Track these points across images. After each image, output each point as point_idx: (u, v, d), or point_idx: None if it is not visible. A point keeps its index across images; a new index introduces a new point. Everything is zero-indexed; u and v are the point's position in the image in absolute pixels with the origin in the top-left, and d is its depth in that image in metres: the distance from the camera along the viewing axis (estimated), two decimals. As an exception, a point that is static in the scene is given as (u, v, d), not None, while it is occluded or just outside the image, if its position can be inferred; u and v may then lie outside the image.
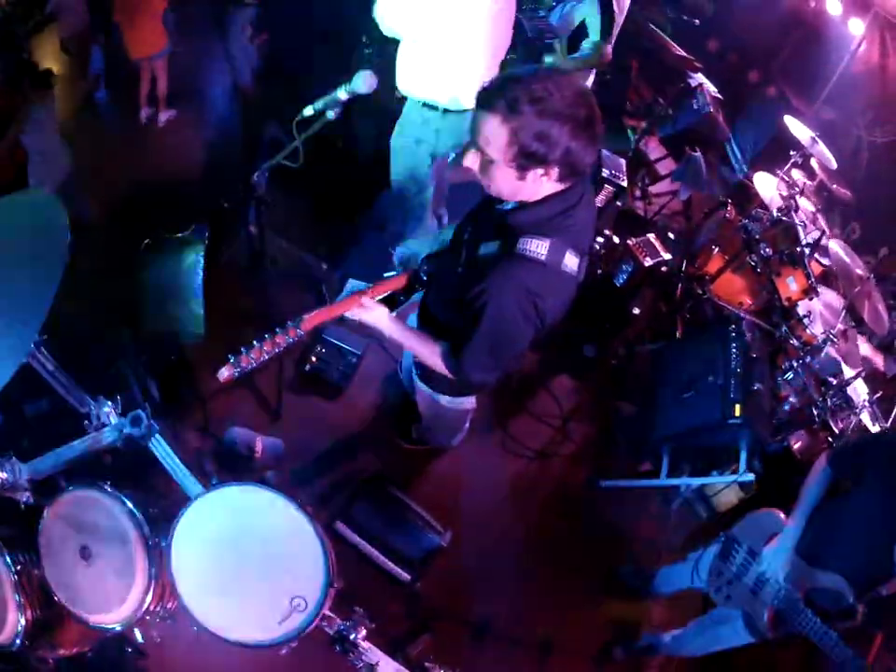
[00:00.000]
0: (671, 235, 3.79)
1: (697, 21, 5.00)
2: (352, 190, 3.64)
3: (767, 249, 3.48)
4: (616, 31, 4.19)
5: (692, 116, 4.21)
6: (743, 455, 2.78)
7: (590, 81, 3.71)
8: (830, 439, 3.07)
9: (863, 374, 3.24)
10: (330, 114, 1.98)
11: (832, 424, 3.06)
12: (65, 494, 1.77)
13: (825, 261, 3.74)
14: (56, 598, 1.70)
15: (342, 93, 1.95)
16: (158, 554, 1.69)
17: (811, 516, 1.96)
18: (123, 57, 4.17)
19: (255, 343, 1.52)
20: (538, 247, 1.50)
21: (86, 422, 1.88)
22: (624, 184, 3.45)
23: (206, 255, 3.04)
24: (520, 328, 1.58)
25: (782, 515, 2.07)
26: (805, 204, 3.89)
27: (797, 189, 3.82)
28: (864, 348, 3.58)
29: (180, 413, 2.81)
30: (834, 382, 3.19)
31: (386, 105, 3.35)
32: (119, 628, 1.70)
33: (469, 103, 2.35)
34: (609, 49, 3.50)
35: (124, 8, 4.07)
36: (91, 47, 4.50)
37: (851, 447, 2.04)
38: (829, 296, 3.64)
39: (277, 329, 1.55)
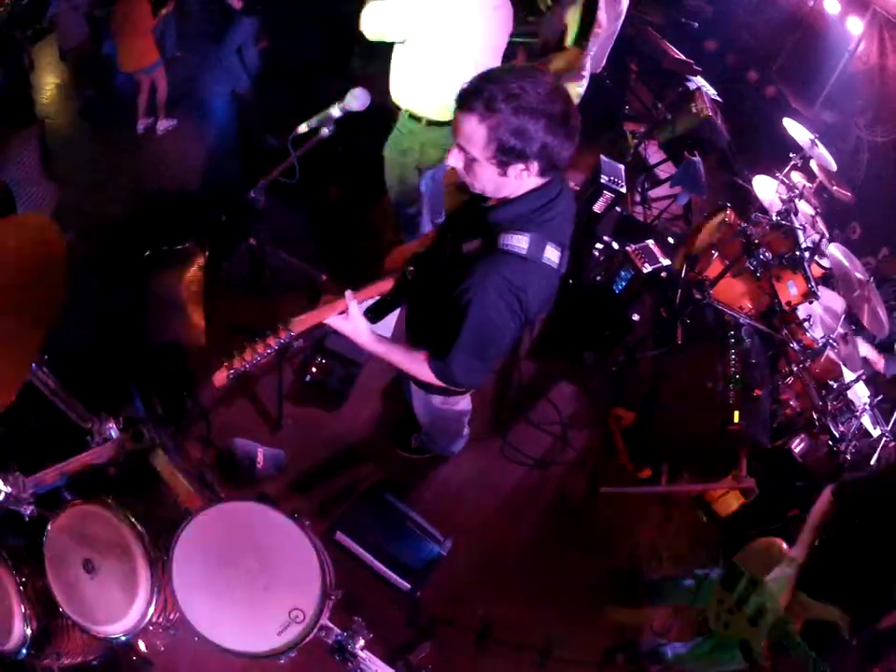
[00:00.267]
0: (671, 240, 3.80)
1: (696, 24, 5.01)
2: (352, 198, 3.68)
3: (767, 254, 3.49)
4: (608, 36, 4.24)
5: (691, 120, 4.22)
6: (743, 462, 2.81)
7: (583, 87, 3.73)
8: (830, 442, 3.09)
9: (864, 377, 3.27)
10: (325, 131, 2.02)
11: (832, 427, 3.08)
12: (69, 508, 1.81)
13: (825, 263, 3.76)
14: (61, 609, 1.74)
15: (335, 110, 1.99)
16: (160, 567, 1.73)
17: (813, 548, 1.99)
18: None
19: (246, 345, 1.55)
20: (518, 242, 1.55)
21: (88, 437, 1.93)
22: (623, 190, 3.47)
23: (207, 267, 3.08)
24: (505, 322, 1.62)
25: (785, 546, 2.09)
26: (805, 208, 3.91)
27: (797, 191, 3.83)
28: (865, 350, 3.60)
29: (182, 425, 2.84)
30: (835, 385, 3.21)
31: (386, 111, 3.40)
32: (123, 638, 1.75)
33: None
34: (585, 55, 3.50)
35: (117, 23, 4.19)
36: (89, 58, 4.57)
37: (856, 482, 2.05)
38: (829, 299, 3.65)
39: (268, 332, 1.57)
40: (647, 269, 3.18)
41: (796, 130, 4.02)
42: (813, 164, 4.20)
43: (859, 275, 3.25)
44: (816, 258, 3.71)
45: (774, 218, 3.59)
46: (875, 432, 3.20)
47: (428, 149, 2.94)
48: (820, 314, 3.46)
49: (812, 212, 3.94)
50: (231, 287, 3.18)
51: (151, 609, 1.73)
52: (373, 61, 3.63)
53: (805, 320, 3.42)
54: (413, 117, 2.89)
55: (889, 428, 3.24)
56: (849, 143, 5.10)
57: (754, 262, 3.45)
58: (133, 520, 1.76)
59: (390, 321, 2.06)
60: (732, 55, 5.76)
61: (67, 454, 1.92)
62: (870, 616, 1.89)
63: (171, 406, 2.83)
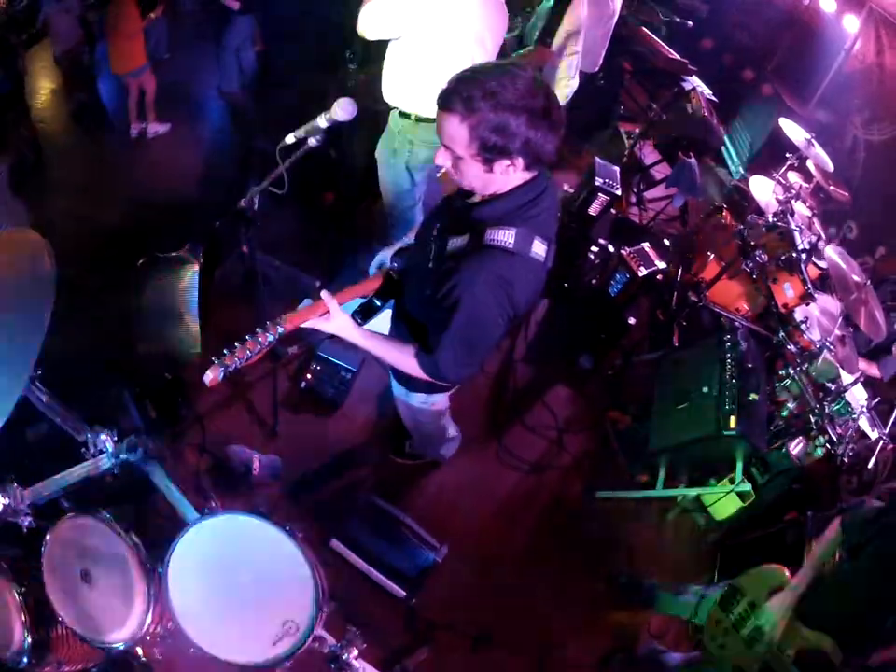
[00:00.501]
0: (667, 242, 3.82)
1: (690, 23, 5.03)
2: (345, 203, 3.70)
3: (763, 256, 3.51)
4: (602, 36, 4.26)
5: (686, 120, 4.24)
6: (739, 466, 2.83)
7: (570, 89, 3.73)
8: (828, 445, 3.11)
9: (862, 379, 3.28)
10: (312, 141, 2.02)
11: (829, 430, 3.09)
12: (65, 520, 1.83)
13: (822, 264, 3.77)
14: (60, 618, 1.77)
15: (322, 121, 1.99)
16: (156, 578, 1.75)
17: (815, 578, 2.01)
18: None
19: (237, 343, 1.53)
20: (505, 237, 1.56)
21: (83, 449, 1.95)
22: (619, 192, 3.48)
23: (201, 274, 3.08)
24: (494, 317, 1.64)
25: (787, 573, 2.12)
26: (801, 209, 3.93)
27: (793, 192, 3.85)
28: (862, 360, 3.60)
29: (178, 432, 2.86)
30: (832, 387, 3.23)
31: (378, 114, 3.41)
32: (122, 647, 1.77)
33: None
34: (555, 54, 3.54)
35: (108, 25, 4.22)
36: (82, 61, 4.58)
37: (864, 516, 2.07)
38: (826, 300, 3.67)
39: (258, 329, 1.56)
40: (642, 272, 3.19)
41: (792, 130, 4.04)
42: (810, 164, 4.22)
43: (856, 278, 3.26)
44: (813, 259, 3.72)
45: (770, 220, 3.61)
46: (873, 435, 3.21)
47: (419, 148, 2.94)
48: (817, 316, 3.47)
49: (809, 213, 3.96)
50: (225, 295, 3.19)
51: (149, 619, 1.75)
52: (368, 62, 3.67)
53: (802, 322, 3.44)
54: (402, 114, 2.90)
55: (886, 431, 3.26)
56: (846, 142, 5.11)
57: (750, 264, 3.46)
58: (128, 532, 1.78)
59: (385, 321, 2.06)
60: (727, 54, 5.77)
61: (64, 464, 1.94)
62: (861, 650, 1.91)
63: (166, 413, 2.85)
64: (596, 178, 3.48)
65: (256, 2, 4.33)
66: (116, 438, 1.96)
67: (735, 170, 5.22)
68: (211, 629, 1.70)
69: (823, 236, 3.74)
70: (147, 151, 4.42)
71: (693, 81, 4.52)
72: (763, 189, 3.91)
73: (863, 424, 3.22)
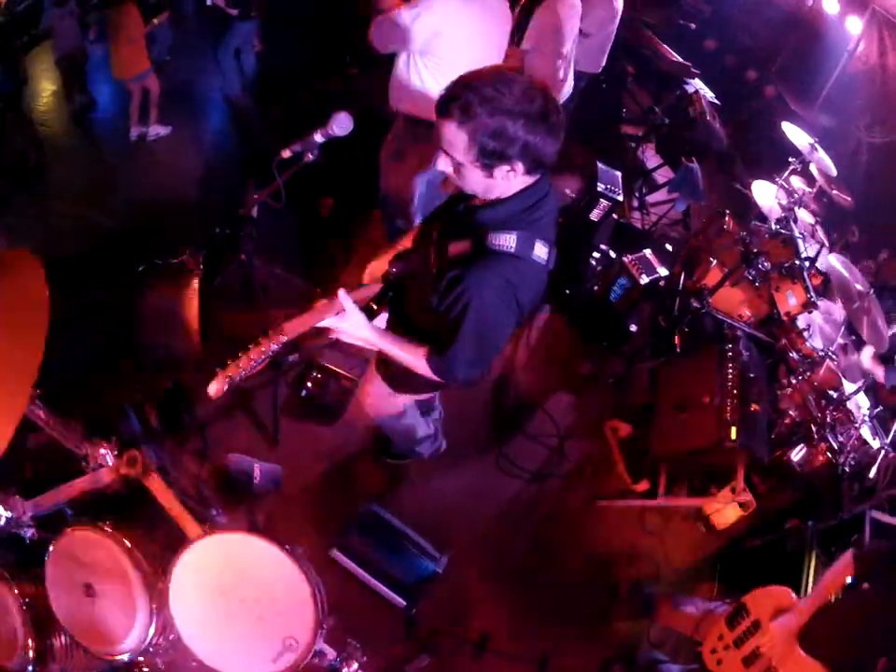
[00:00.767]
0: (669, 247, 3.81)
1: (693, 25, 5.01)
2: (344, 208, 3.70)
3: (765, 263, 3.51)
4: (605, 37, 4.25)
5: (688, 124, 4.23)
6: (740, 476, 2.84)
7: (562, 95, 3.72)
8: (829, 454, 3.11)
9: (864, 387, 3.29)
10: (309, 155, 2.03)
11: (830, 439, 3.10)
12: (67, 534, 1.84)
13: (823, 268, 3.77)
14: (63, 629, 1.79)
15: (318, 136, 2.00)
16: (158, 592, 1.76)
17: (822, 607, 2.02)
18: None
19: (240, 353, 1.53)
20: (507, 241, 1.58)
21: (83, 463, 1.96)
22: (620, 198, 3.49)
23: (201, 281, 3.09)
24: (504, 319, 1.67)
25: (794, 597, 2.14)
26: (805, 216, 3.92)
27: (796, 197, 3.84)
28: (865, 360, 3.60)
29: (179, 440, 2.86)
30: (835, 395, 3.24)
31: (377, 119, 3.41)
32: (125, 658, 1.79)
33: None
34: (516, 50, 3.51)
35: (110, 29, 4.23)
36: (82, 64, 4.58)
37: (878, 552, 2.09)
38: (829, 307, 3.67)
39: (260, 339, 1.56)
40: (644, 280, 3.19)
41: (796, 134, 4.03)
42: (813, 168, 4.21)
43: (858, 287, 3.25)
44: (816, 265, 3.72)
45: (773, 227, 3.61)
46: (875, 443, 3.22)
47: (428, 154, 2.95)
48: (820, 324, 3.47)
49: (812, 220, 3.96)
50: (225, 301, 3.20)
51: (151, 632, 1.77)
52: (366, 66, 3.66)
53: (804, 330, 3.44)
54: (413, 121, 2.90)
55: (888, 440, 3.26)
56: (849, 145, 5.11)
57: (753, 272, 3.47)
58: (130, 546, 1.79)
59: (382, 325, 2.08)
60: (730, 55, 5.76)
61: (66, 475, 1.95)
62: None
63: (167, 421, 2.86)
64: (598, 184, 3.49)
65: (254, 7, 4.32)
66: (116, 452, 1.98)
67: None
68: (213, 644, 1.72)
69: (826, 243, 3.74)
70: (147, 154, 4.43)
71: (696, 84, 4.52)
72: (766, 194, 3.91)
73: (865, 433, 3.23)
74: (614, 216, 3.65)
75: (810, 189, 4.17)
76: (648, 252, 3.37)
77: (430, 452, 2.87)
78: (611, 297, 3.30)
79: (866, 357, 3.46)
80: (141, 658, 1.92)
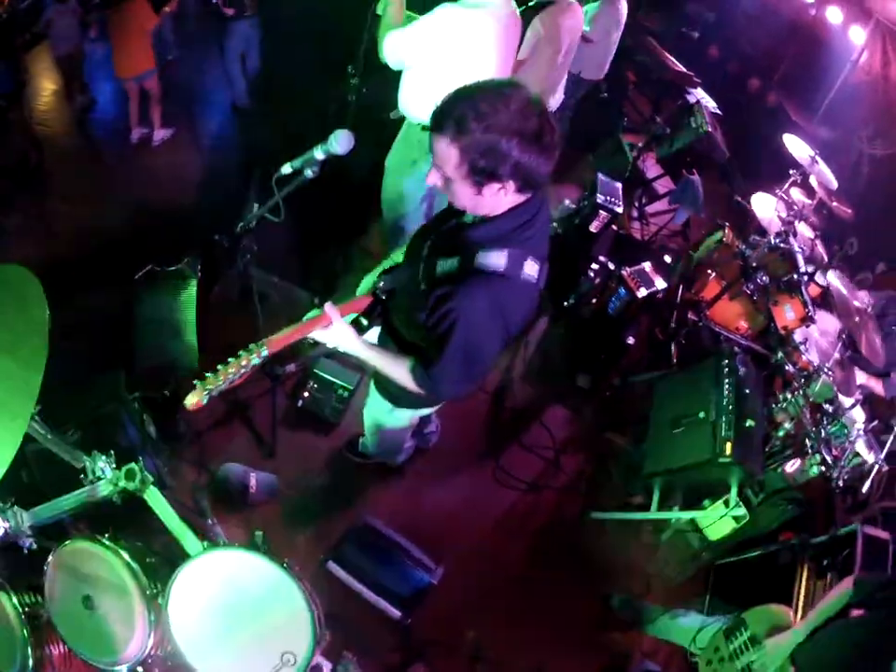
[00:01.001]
0: (668, 259, 3.85)
1: (696, 34, 5.04)
2: (343, 217, 3.72)
3: (764, 277, 3.55)
4: (608, 45, 4.28)
5: (690, 135, 4.26)
6: (734, 490, 2.88)
7: (556, 101, 3.74)
8: (823, 468, 3.15)
9: (860, 401, 3.33)
10: (308, 172, 2.03)
11: (825, 453, 3.14)
12: (66, 546, 1.88)
13: (823, 282, 3.81)
14: (63, 639, 1.82)
15: (318, 153, 1.99)
16: (156, 605, 1.80)
17: (816, 628, 2.06)
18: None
19: (219, 367, 1.53)
20: (496, 259, 1.56)
21: (82, 476, 1.99)
22: (620, 210, 3.51)
23: (199, 289, 3.12)
24: (491, 340, 1.66)
25: (792, 616, 2.20)
26: (804, 230, 3.96)
27: (796, 209, 3.88)
28: (862, 377, 3.65)
29: (176, 449, 2.89)
30: (830, 409, 3.28)
31: (379, 128, 3.43)
32: (124, 669, 1.81)
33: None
34: None
35: (115, 28, 4.18)
36: (82, 63, 4.58)
37: (879, 581, 2.12)
38: (826, 320, 3.71)
39: (241, 353, 1.56)
40: (642, 293, 3.23)
41: (797, 146, 4.06)
42: (813, 180, 4.24)
43: (857, 304, 3.30)
44: (815, 278, 3.76)
45: (773, 241, 3.64)
46: (870, 458, 3.26)
47: None
48: (817, 338, 3.51)
49: (811, 235, 3.99)
50: (223, 310, 3.22)
51: (150, 643, 1.79)
52: (369, 74, 3.68)
53: (801, 343, 3.48)
54: (426, 128, 2.92)
55: (882, 455, 3.31)
56: (850, 156, 5.15)
57: (751, 286, 3.50)
58: (128, 559, 1.81)
59: (373, 339, 2.10)
60: (733, 63, 5.79)
61: (64, 485, 1.98)
62: None
63: (164, 429, 2.88)
64: (598, 195, 3.52)
65: (250, 7, 4.32)
66: (114, 465, 2.01)
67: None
68: (211, 658, 1.75)
69: (826, 258, 3.78)
70: (148, 156, 4.44)
71: (698, 94, 4.54)
72: (766, 207, 3.94)
73: (860, 447, 3.27)
74: (614, 227, 3.68)
75: (810, 202, 4.21)
76: (647, 265, 3.39)
77: (403, 459, 2.92)
78: (609, 309, 3.33)
79: (862, 374, 3.51)
80: (139, 669, 1.97)
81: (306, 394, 3.06)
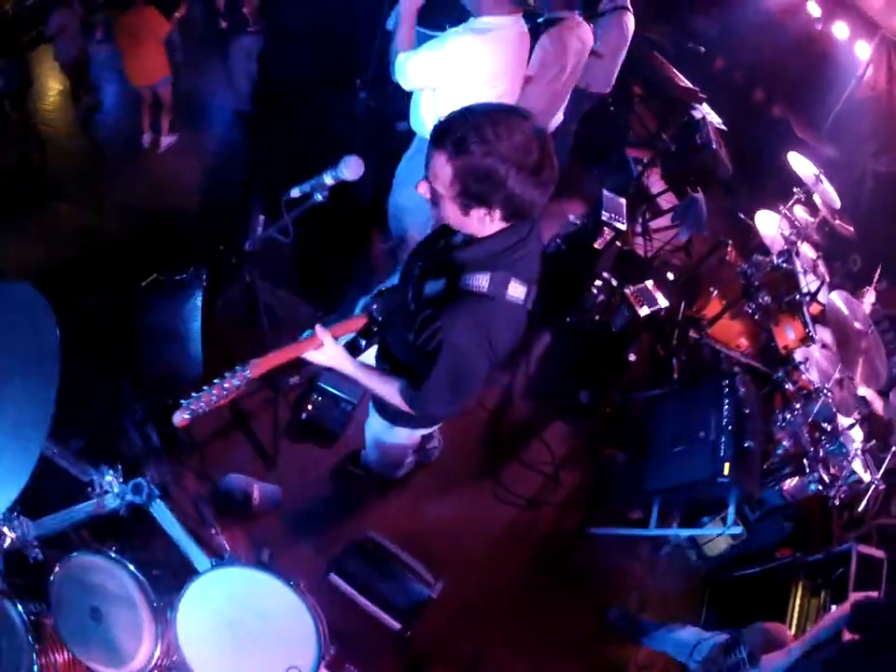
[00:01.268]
0: (670, 276, 3.90)
1: (703, 48, 5.09)
2: (348, 231, 3.76)
3: (766, 297, 3.59)
4: (614, 58, 4.34)
5: (694, 151, 4.32)
6: (732, 508, 2.94)
7: (557, 121, 3.79)
8: (820, 487, 3.22)
9: (859, 419, 3.38)
10: (318, 196, 2.07)
11: (821, 472, 3.20)
12: (72, 558, 1.93)
13: (824, 300, 3.86)
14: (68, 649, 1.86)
15: (328, 178, 2.03)
16: (164, 617, 1.84)
17: (812, 649, 2.11)
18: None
19: (204, 388, 1.57)
20: (480, 281, 1.58)
21: (89, 489, 2.04)
22: (624, 227, 3.56)
23: (204, 298, 3.15)
24: (477, 361, 1.67)
25: (790, 635, 2.26)
26: (807, 251, 4.01)
27: (799, 227, 3.93)
28: (863, 391, 3.70)
29: (178, 458, 2.94)
30: (829, 428, 3.33)
31: (385, 141, 3.49)
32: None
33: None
34: None
35: (126, 35, 4.16)
36: (87, 75, 4.62)
37: (878, 606, 2.15)
38: (827, 339, 3.76)
39: (226, 374, 1.59)
40: (644, 312, 3.29)
41: (801, 164, 4.12)
42: (816, 198, 4.29)
43: (858, 325, 3.34)
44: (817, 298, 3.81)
45: (775, 261, 3.69)
46: (866, 477, 3.32)
47: None
48: (818, 358, 3.56)
49: (814, 255, 4.04)
50: (228, 322, 3.27)
51: (157, 654, 1.84)
52: (377, 88, 3.74)
53: (801, 363, 3.53)
54: None
55: (878, 475, 3.37)
56: (854, 172, 5.19)
57: (753, 306, 3.56)
58: (135, 572, 1.85)
59: (370, 360, 2.15)
60: (737, 78, 5.83)
61: (70, 495, 2.03)
62: None
63: (167, 438, 2.94)
64: (603, 212, 3.57)
65: (250, 24, 4.35)
66: (122, 479, 2.06)
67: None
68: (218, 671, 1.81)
69: (828, 279, 3.83)
70: (153, 161, 4.48)
71: (703, 110, 4.60)
72: (769, 224, 4.00)
73: (857, 466, 3.33)
74: (617, 243, 3.74)
75: (813, 219, 4.26)
76: (650, 283, 3.45)
77: (402, 474, 2.97)
78: (613, 327, 3.38)
79: (864, 391, 3.56)
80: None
81: (310, 406, 3.10)
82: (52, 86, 4.88)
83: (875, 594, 2.68)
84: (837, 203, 4.07)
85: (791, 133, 5.47)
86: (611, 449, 3.52)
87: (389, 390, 1.86)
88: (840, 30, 5.44)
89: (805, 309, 3.58)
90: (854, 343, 3.28)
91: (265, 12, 4.43)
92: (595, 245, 3.55)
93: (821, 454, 3.21)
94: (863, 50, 5.43)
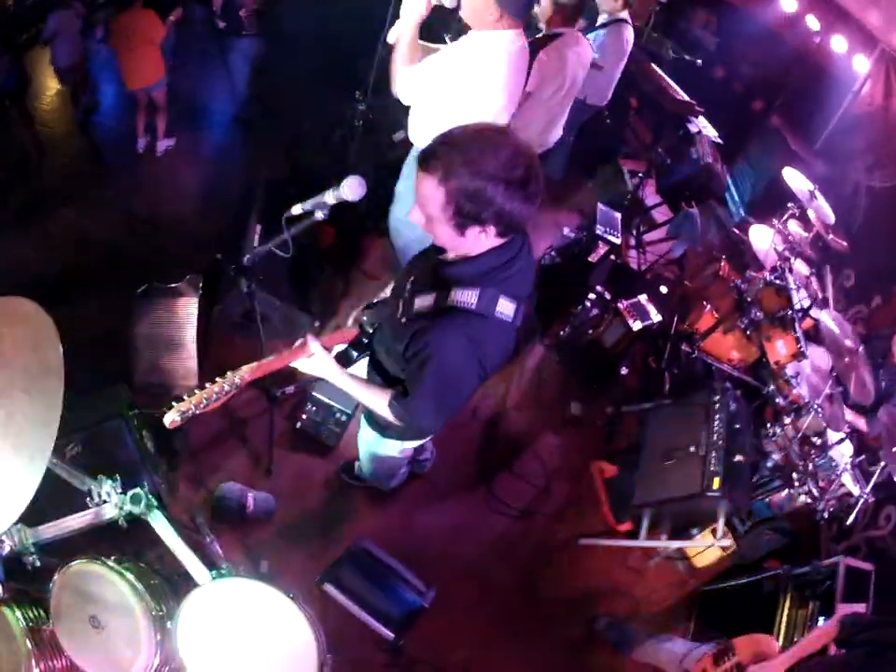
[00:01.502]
0: (663, 289, 3.98)
1: (700, 60, 5.18)
2: (346, 241, 3.83)
3: (758, 313, 3.67)
4: (613, 70, 4.41)
5: (690, 166, 4.39)
6: (721, 522, 3.02)
7: (555, 137, 3.83)
8: (809, 500, 3.30)
9: (848, 434, 3.46)
10: (319, 214, 2.09)
11: (811, 486, 3.28)
12: (70, 567, 1.98)
13: (817, 316, 3.94)
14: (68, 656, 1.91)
15: (329, 197, 2.05)
16: (162, 627, 1.89)
17: (799, 661, 2.17)
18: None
19: (196, 391, 1.62)
20: (469, 297, 1.63)
21: (87, 499, 2.09)
22: (618, 241, 3.64)
23: (199, 306, 3.21)
24: (465, 377, 1.73)
25: (777, 648, 2.30)
26: (800, 267, 4.09)
27: (792, 242, 4.00)
28: (848, 412, 3.78)
29: (173, 465, 3.00)
30: (818, 442, 3.41)
31: (383, 152, 3.56)
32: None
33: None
34: None
35: (121, 36, 4.19)
36: (86, 75, 4.65)
37: (866, 622, 2.19)
38: (817, 355, 3.84)
39: (217, 379, 1.65)
40: (637, 326, 3.36)
41: (796, 180, 4.19)
42: (811, 213, 4.36)
43: (848, 343, 3.42)
44: (809, 313, 3.89)
45: (768, 277, 3.77)
46: (855, 490, 3.40)
47: None
48: (808, 373, 3.63)
49: (807, 272, 4.11)
50: (224, 330, 3.33)
51: (156, 662, 1.88)
52: (376, 98, 3.81)
53: (792, 377, 3.61)
54: None
55: (868, 489, 3.45)
56: (848, 187, 5.25)
57: (745, 321, 3.63)
58: (134, 581, 1.90)
59: (361, 370, 2.21)
60: (734, 90, 5.89)
61: (67, 503, 2.08)
62: None
63: (162, 446, 2.99)
64: (597, 226, 3.65)
65: (247, 27, 4.40)
66: (120, 489, 2.11)
67: (736, 211, 5.36)
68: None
69: (820, 296, 3.91)
70: (151, 166, 4.51)
71: (699, 123, 4.67)
72: (763, 239, 4.07)
73: (846, 480, 3.40)
74: (612, 256, 3.82)
75: (806, 234, 4.33)
76: (643, 298, 3.52)
77: (395, 485, 3.02)
78: (605, 341, 3.46)
79: (848, 412, 3.64)
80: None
81: (304, 416, 3.15)
82: (50, 85, 4.90)
83: (861, 606, 2.77)
84: (831, 219, 4.13)
85: (786, 146, 5.53)
86: (602, 461, 3.59)
87: (378, 401, 1.92)
88: (838, 44, 5.49)
89: (797, 325, 3.65)
90: (847, 357, 3.37)
91: (268, 22, 4.48)
92: (590, 259, 3.62)
93: (811, 467, 3.29)
94: (861, 65, 5.48)
